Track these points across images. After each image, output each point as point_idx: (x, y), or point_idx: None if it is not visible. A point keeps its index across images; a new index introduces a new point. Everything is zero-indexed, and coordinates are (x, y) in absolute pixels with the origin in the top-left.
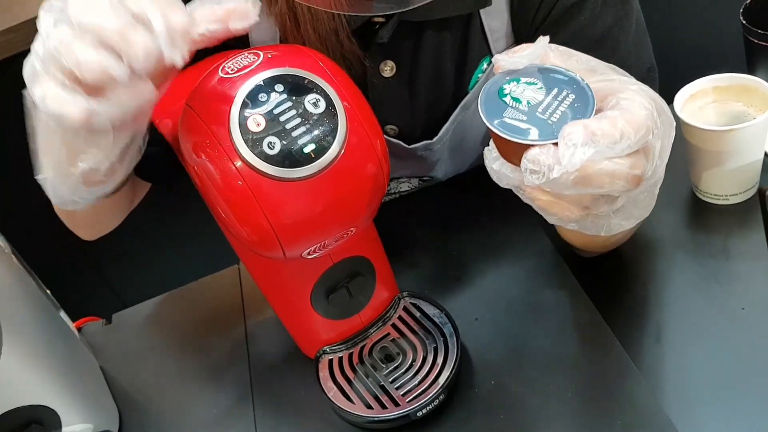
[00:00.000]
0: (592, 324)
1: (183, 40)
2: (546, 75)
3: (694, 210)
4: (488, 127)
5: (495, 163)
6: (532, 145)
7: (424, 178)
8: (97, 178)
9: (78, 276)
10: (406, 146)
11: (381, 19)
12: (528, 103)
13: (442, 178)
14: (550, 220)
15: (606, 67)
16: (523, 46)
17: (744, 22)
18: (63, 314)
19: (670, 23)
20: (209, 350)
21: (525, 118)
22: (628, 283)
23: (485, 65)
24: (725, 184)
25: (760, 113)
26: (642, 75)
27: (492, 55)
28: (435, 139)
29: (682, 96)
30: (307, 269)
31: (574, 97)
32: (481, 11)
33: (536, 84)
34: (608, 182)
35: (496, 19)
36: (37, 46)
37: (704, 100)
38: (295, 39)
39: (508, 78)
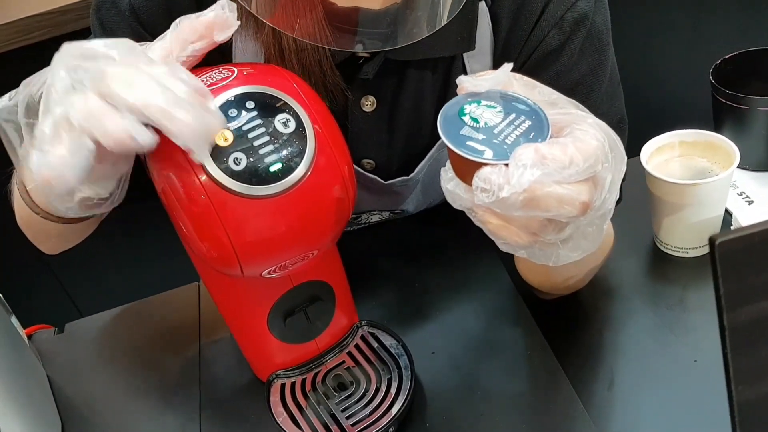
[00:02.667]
0: (546, 365)
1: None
2: (506, 101)
3: (654, 260)
4: (445, 144)
5: (450, 183)
6: (485, 164)
7: (396, 211)
8: (93, 203)
9: (34, 282)
10: (383, 181)
11: (365, 55)
12: (485, 124)
13: (412, 212)
14: (501, 246)
15: (567, 102)
16: (487, 71)
17: (713, 81)
18: (14, 320)
19: (642, 78)
20: (161, 367)
21: (481, 138)
22: (584, 327)
23: None
24: (686, 237)
25: (724, 170)
26: (613, 125)
27: None
28: (411, 175)
29: (648, 148)
30: (267, 290)
31: (530, 123)
32: (464, 54)
33: (495, 107)
34: (555, 206)
35: (478, 63)
36: (53, 108)
37: (670, 153)
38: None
39: (469, 99)
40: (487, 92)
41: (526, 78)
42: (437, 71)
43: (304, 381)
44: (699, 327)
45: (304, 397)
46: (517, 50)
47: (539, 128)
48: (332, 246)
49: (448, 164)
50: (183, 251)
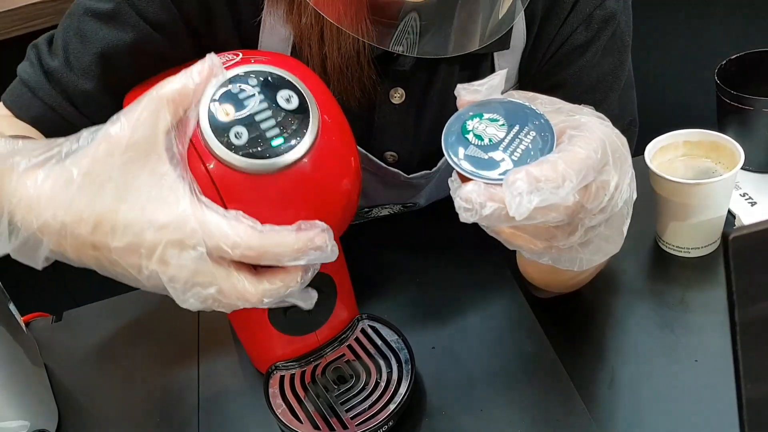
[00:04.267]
0: (547, 363)
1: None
2: (509, 110)
3: (657, 260)
4: (449, 163)
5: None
6: (491, 184)
7: (407, 204)
8: None
9: (32, 270)
10: (405, 175)
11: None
12: (490, 140)
13: (423, 205)
14: (524, 254)
15: (572, 108)
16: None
17: (718, 81)
18: (12, 306)
19: (647, 76)
20: (159, 357)
21: (486, 157)
22: (585, 325)
23: None
24: (688, 237)
25: (728, 171)
26: (624, 126)
27: None
28: (434, 169)
29: (653, 147)
30: None
31: (534, 134)
32: (495, 53)
33: (498, 120)
34: (541, 214)
35: (507, 61)
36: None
37: (674, 153)
38: (311, 55)
39: (471, 113)
40: (490, 102)
41: (525, 92)
42: (465, 67)
43: (303, 373)
44: (700, 327)
45: (303, 390)
46: (545, 45)
47: (544, 138)
48: (336, 237)
49: (454, 174)
50: None
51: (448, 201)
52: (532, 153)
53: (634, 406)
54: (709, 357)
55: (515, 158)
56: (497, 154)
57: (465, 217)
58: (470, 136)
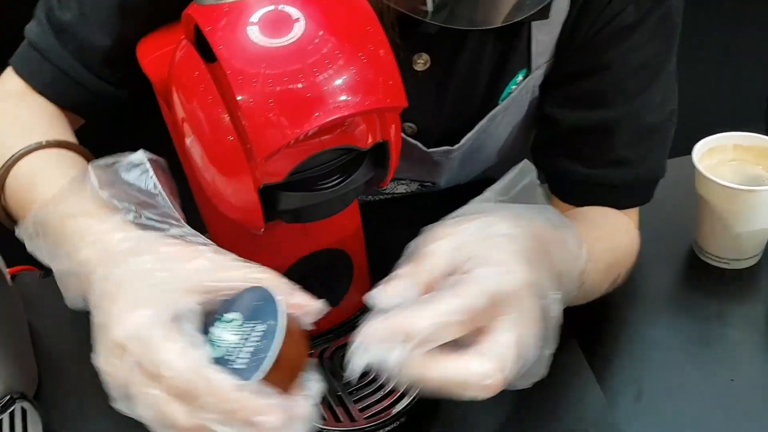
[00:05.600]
0: (574, 366)
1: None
2: (249, 306)
3: (694, 270)
4: None
5: None
6: None
7: (426, 183)
8: None
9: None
10: (424, 149)
11: (428, 8)
12: (221, 348)
13: (443, 186)
14: None
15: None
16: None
17: None
18: None
19: (696, 73)
20: None
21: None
22: (614, 331)
23: (520, 77)
24: (730, 247)
25: None
26: (665, 116)
27: (530, 69)
28: (456, 146)
29: (701, 148)
30: (281, 253)
31: (262, 332)
32: (533, 23)
33: (235, 320)
34: None
35: (545, 32)
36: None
37: (722, 156)
38: None
39: (222, 312)
40: (240, 298)
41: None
42: (499, 36)
43: (309, 356)
44: (738, 344)
45: None
46: (589, 21)
47: (269, 338)
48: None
49: None
50: (187, 203)
51: (470, 185)
52: (253, 357)
53: (663, 422)
54: (747, 376)
55: (242, 366)
56: (226, 363)
57: None
58: (217, 333)
